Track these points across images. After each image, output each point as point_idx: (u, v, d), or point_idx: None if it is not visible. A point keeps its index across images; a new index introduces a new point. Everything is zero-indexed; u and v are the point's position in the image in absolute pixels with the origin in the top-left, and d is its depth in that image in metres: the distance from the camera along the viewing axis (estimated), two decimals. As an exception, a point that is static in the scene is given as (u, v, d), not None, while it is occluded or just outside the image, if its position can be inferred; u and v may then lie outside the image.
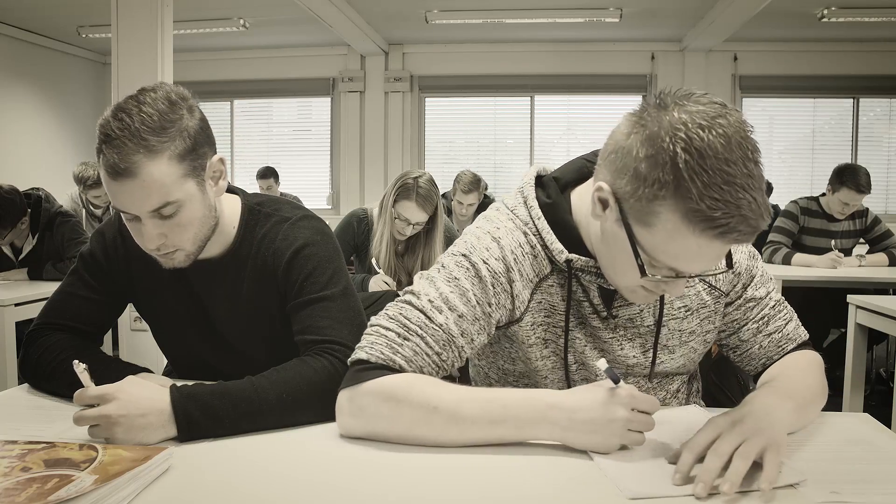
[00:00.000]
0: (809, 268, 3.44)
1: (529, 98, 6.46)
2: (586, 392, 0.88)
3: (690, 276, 0.91)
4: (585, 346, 1.05)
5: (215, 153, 1.09)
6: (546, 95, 6.45)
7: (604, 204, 0.88)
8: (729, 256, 0.92)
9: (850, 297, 2.78)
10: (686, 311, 1.06)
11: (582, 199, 1.01)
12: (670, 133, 0.79)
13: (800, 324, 1.12)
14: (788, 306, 1.12)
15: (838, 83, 6.07)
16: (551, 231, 1.00)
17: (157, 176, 0.98)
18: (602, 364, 0.89)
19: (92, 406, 0.90)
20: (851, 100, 6.17)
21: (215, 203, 1.11)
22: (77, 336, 1.17)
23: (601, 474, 0.81)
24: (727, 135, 0.78)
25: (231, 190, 1.22)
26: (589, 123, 6.43)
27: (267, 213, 1.19)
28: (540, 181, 1.06)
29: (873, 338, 3.31)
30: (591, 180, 1.00)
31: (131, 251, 1.18)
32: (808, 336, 1.12)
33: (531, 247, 1.01)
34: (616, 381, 0.88)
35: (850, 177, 3.48)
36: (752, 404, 0.88)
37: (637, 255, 0.86)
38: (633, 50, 6.18)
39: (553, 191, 1.03)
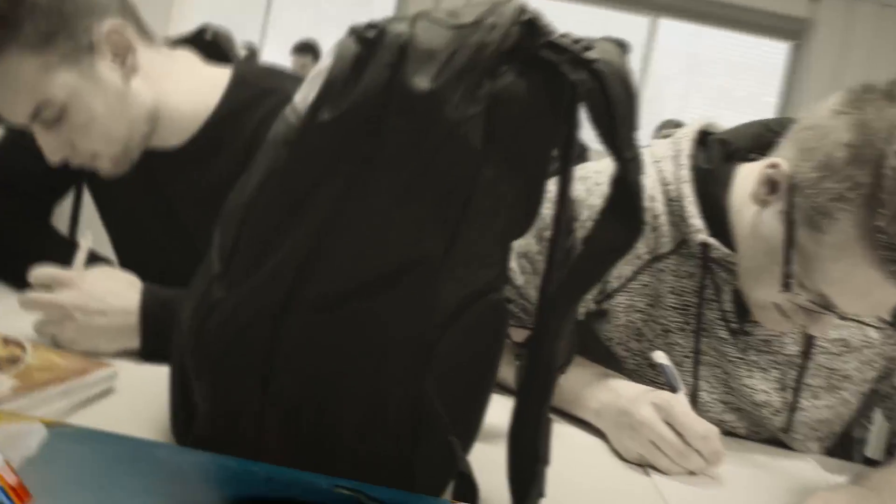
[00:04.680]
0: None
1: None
2: (636, 386, 0.80)
3: (841, 316, 0.76)
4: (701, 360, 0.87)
5: (111, 19, 0.80)
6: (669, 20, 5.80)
7: (772, 187, 0.75)
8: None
9: None
10: (843, 347, 0.87)
11: (747, 179, 0.82)
12: (890, 130, 0.66)
13: None
14: None
15: None
16: (695, 202, 0.83)
17: (13, 73, 0.77)
18: (659, 357, 0.79)
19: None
20: None
21: (139, 87, 0.84)
22: (22, 200, 0.97)
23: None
24: None
25: (224, 58, 0.94)
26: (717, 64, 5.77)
27: (266, 90, 0.89)
28: (704, 140, 0.88)
29: None
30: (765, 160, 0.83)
31: None
32: None
33: (654, 215, 0.85)
34: (673, 388, 0.75)
35: None
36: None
37: (788, 262, 0.72)
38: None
39: (717, 157, 0.86)
